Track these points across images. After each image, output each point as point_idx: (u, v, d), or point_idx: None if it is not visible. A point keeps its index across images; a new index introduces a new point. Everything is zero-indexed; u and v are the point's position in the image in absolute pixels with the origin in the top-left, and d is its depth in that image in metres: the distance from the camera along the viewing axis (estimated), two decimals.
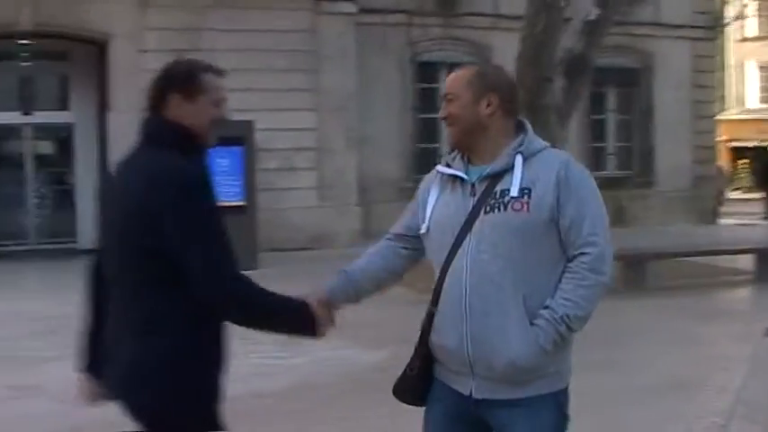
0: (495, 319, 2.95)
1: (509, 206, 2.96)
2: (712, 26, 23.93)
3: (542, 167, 3.01)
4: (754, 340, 9.16)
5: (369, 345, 8.83)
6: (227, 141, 14.71)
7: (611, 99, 22.89)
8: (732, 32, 52.43)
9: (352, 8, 18.70)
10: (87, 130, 18.70)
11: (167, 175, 2.93)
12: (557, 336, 2.93)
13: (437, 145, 20.77)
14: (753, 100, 54.44)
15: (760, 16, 52.66)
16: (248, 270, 3.09)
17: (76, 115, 18.99)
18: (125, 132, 16.54)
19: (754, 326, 9.76)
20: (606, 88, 22.67)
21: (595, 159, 22.48)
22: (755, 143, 51.82)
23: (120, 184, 3.09)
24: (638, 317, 10.99)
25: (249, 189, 15.37)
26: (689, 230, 20.86)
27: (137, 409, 2.99)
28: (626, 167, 22.98)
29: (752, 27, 53.58)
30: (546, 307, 2.95)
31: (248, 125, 15.29)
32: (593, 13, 14.88)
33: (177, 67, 3.12)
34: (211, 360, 3.06)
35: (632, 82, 22.87)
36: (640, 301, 11.93)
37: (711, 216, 23.58)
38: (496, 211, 2.98)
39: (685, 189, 23.09)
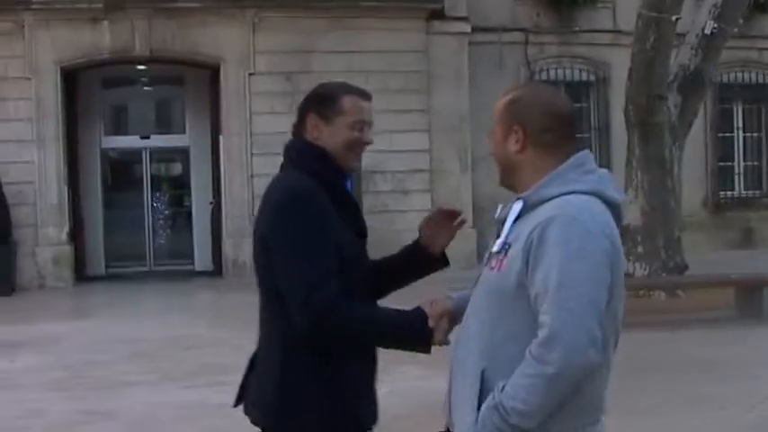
0: (458, 389, 2.60)
1: (489, 262, 2.60)
2: None
3: (531, 221, 2.50)
4: None
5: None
6: None
7: (739, 116, 21.97)
8: None
9: (465, 27, 18.42)
10: (202, 152, 18.88)
11: (272, 193, 2.95)
12: (492, 427, 2.41)
13: None
14: None
15: None
16: None
17: (192, 138, 19.21)
18: (235, 155, 17.19)
19: None
20: (733, 104, 21.81)
21: (723, 179, 21.67)
22: None
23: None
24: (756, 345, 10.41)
25: None
26: None
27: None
28: (755, 187, 22.01)
29: None
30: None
31: None
32: (710, 26, 14.31)
33: (319, 89, 3.11)
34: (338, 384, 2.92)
35: (760, 98, 21.91)
36: (757, 329, 11.33)
37: None
38: (485, 266, 2.62)
39: None
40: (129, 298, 15.95)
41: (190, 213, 19.56)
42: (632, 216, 14.02)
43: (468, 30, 18.40)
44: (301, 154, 3.02)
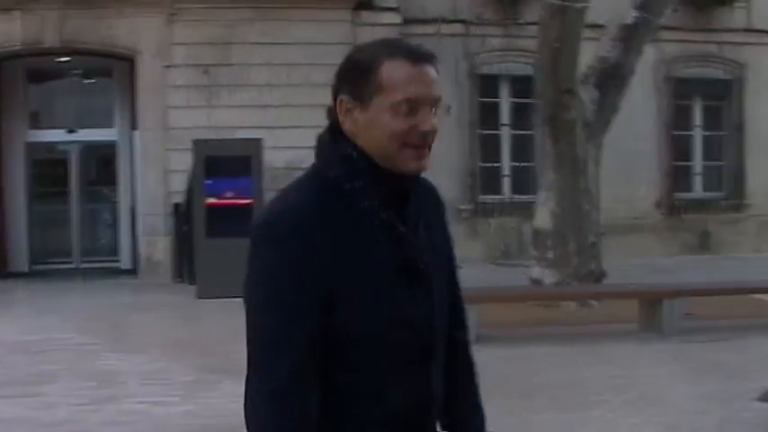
0: None
1: None
2: None
3: None
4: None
5: None
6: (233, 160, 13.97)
7: (698, 114, 20.99)
8: None
9: (395, 18, 17.52)
10: (126, 147, 18.17)
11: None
12: None
13: (499, 164, 19.52)
14: None
15: None
16: None
17: (120, 133, 18.47)
18: (150, 150, 16.50)
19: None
20: (692, 102, 20.85)
21: (680, 180, 20.75)
22: None
23: None
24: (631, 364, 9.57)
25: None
26: None
27: None
28: (714, 188, 21.02)
29: None
30: None
31: (256, 144, 14.43)
32: (631, 16, 13.45)
33: (354, 53, 2.17)
34: None
35: (721, 94, 20.94)
36: (655, 345, 10.55)
37: None
38: None
39: None
40: (35, 296, 15.38)
41: (116, 209, 18.88)
42: (542, 219, 13.22)
43: (399, 21, 17.51)
44: (323, 154, 2.16)
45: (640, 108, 20.10)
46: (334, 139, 2.12)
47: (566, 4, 12.21)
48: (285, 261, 2.00)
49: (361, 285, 2.05)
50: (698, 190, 21.06)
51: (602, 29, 13.96)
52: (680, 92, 20.38)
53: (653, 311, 11.35)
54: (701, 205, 20.73)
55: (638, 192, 20.09)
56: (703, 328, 11.22)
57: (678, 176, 20.66)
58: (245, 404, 2.03)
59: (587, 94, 13.21)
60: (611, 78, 13.54)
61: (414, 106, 2.05)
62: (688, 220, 20.43)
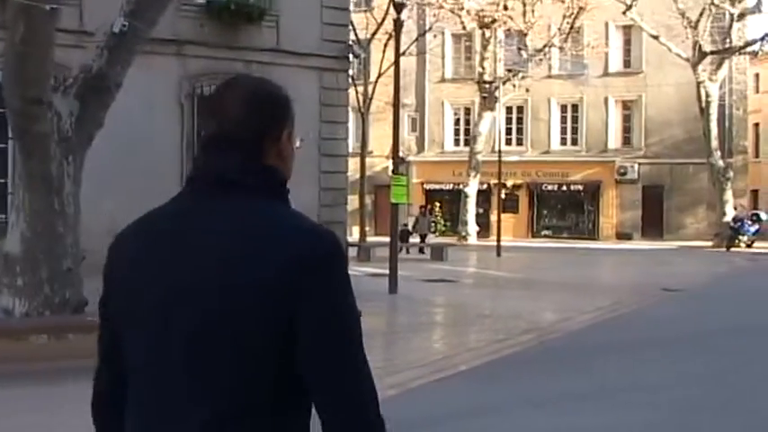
0: None
1: None
2: (344, 56, 21.94)
3: None
4: None
5: None
6: None
7: None
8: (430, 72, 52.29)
9: None
10: None
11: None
12: None
13: None
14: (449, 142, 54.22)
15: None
16: None
17: None
18: None
19: None
20: None
21: None
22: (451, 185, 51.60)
23: None
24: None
25: None
26: None
27: None
28: None
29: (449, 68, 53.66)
30: None
31: None
32: (119, 24, 12.38)
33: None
34: None
35: None
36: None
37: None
38: None
39: None
40: None
41: None
42: (13, 242, 11.80)
43: None
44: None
45: (162, 126, 19.30)
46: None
47: (32, 3, 10.90)
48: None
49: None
50: None
51: (91, 36, 12.82)
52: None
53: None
54: None
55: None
56: None
57: None
58: (363, 373, 2.07)
59: (66, 107, 11.94)
60: (95, 90, 12.35)
61: None
62: None
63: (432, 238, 38.69)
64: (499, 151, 38.39)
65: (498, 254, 34.70)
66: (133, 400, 2.13)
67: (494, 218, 42.21)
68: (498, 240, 36.15)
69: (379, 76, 35.51)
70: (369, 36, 35.70)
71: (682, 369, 10.82)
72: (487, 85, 43.88)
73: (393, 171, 20.82)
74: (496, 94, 42.71)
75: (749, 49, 45.60)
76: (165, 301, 2.05)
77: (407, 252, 35.52)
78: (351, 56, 22.73)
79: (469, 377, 10.55)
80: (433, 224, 38.58)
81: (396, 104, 21.11)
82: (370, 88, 37.08)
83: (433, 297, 16.83)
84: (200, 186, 2.13)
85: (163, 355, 2.05)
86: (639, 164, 49.95)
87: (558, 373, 10.69)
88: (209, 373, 2.01)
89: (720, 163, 43.80)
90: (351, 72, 41.69)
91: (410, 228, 39.14)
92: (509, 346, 12.64)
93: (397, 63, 21.43)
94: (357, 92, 40.32)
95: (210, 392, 2.02)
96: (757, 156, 53.21)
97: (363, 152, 33.70)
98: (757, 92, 53.37)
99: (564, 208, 52.73)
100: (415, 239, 37.84)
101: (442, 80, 53.05)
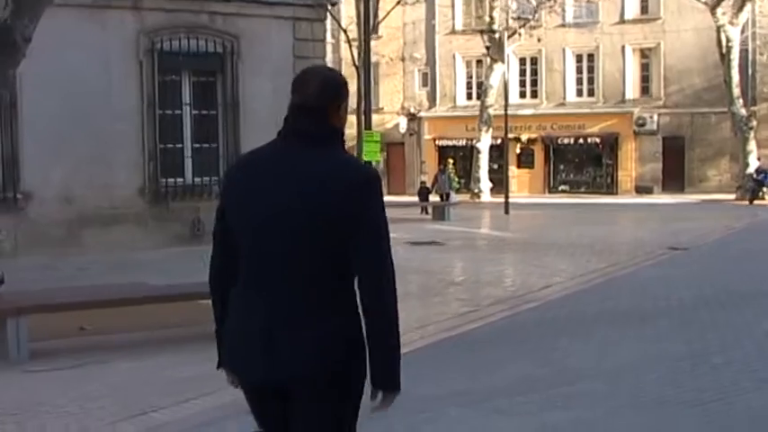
0: None
1: None
2: (319, 3, 20.38)
3: None
4: None
5: None
6: None
7: (187, 90, 19.08)
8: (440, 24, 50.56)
9: None
10: None
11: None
12: None
13: None
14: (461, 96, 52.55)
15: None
16: None
17: None
18: None
19: None
20: (180, 77, 18.91)
21: (167, 164, 18.76)
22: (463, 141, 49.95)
23: None
24: None
25: None
26: None
27: (320, 379, 3.27)
28: (207, 173, 19.16)
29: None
30: None
31: None
32: None
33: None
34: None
35: (213, 70, 19.13)
36: None
37: None
38: None
39: None
40: None
41: None
42: None
43: None
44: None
45: (119, 84, 17.94)
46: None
47: None
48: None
49: None
50: (188, 175, 19.15)
51: None
52: (166, 66, 18.36)
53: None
54: (192, 192, 18.86)
55: (119, 178, 17.94)
56: (68, 350, 9.14)
57: (165, 160, 18.65)
58: (387, 251, 3.31)
59: None
60: (1, 46, 11.07)
61: None
62: (177, 209, 18.50)
63: (454, 198, 36.86)
64: (506, 103, 36.58)
65: (506, 211, 33.22)
66: (240, 279, 3.39)
67: (509, 174, 40.48)
68: (506, 197, 34.64)
69: (376, 25, 33.81)
70: None
71: (659, 349, 9.36)
72: (496, 35, 42.10)
73: (365, 128, 19.38)
74: (506, 44, 40.91)
75: None
76: (267, 212, 3.26)
77: (427, 213, 34.06)
78: (328, 3, 21.15)
79: (407, 363, 9.16)
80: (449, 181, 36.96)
81: (366, 49, 19.60)
82: (374, 43, 35.39)
83: (407, 262, 15.38)
84: (289, 138, 3.34)
85: (265, 247, 3.29)
86: (659, 114, 48.12)
87: (513, 359, 9.27)
88: (296, 258, 3.25)
89: (743, 111, 41.86)
90: (342, 25, 40.23)
91: (428, 186, 37.77)
92: (469, 321, 11.23)
93: None
94: (351, 45, 38.72)
95: (297, 271, 3.25)
96: None
97: (359, 109, 32.05)
98: None
99: (581, 162, 51.02)
100: (434, 198, 36.26)
101: (452, 32, 51.32)
